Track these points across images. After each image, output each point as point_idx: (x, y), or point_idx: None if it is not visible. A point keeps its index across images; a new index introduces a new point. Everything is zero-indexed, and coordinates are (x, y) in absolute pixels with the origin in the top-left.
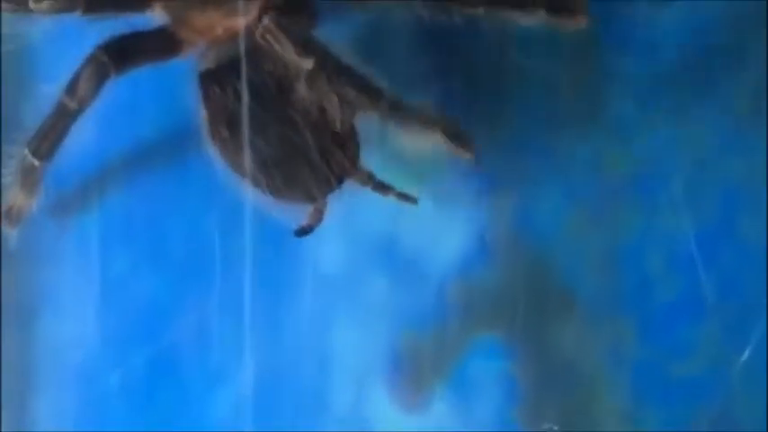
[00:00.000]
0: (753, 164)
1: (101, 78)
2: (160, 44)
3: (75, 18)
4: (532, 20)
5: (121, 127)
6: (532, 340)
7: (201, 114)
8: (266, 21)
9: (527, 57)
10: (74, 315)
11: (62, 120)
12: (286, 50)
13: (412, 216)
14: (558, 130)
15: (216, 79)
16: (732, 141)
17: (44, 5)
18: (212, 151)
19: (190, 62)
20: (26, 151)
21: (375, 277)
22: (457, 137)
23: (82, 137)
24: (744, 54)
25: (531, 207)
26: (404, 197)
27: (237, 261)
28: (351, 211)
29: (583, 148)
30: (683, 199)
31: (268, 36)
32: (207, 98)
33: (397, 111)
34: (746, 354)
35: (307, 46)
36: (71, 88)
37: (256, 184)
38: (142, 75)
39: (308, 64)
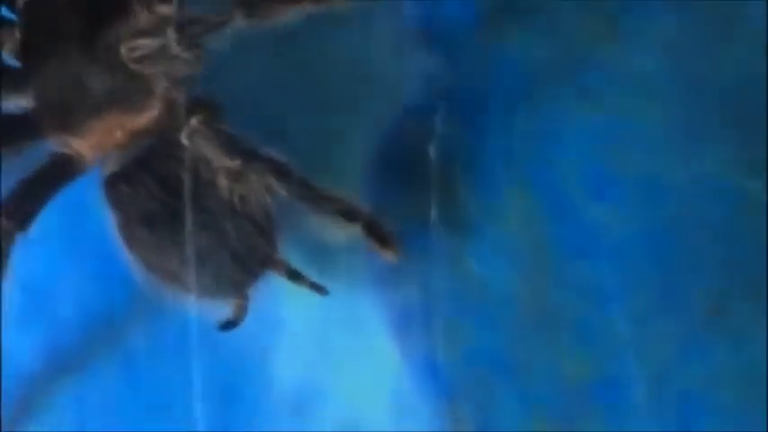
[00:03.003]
0: (711, 371)
1: (7, 242)
2: (57, 174)
3: None
4: None
5: None
6: None
7: (113, 219)
8: (194, 122)
9: (484, 267)
10: None
11: None
12: (214, 152)
13: (369, 422)
14: (516, 340)
15: (124, 179)
16: (691, 348)
17: None
18: (130, 256)
19: None
20: None
21: None
22: (379, 236)
23: None
24: (702, 260)
25: (489, 416)
26: (316, 287)
27: None
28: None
29: (542, 357)
30: (644, 407)
31: (196, 137)
32: (117, 201)
33: (320, 199)
34: None
35: (233, 146)
36: None
37: (181, 284)
38: None
39: (235, 164)
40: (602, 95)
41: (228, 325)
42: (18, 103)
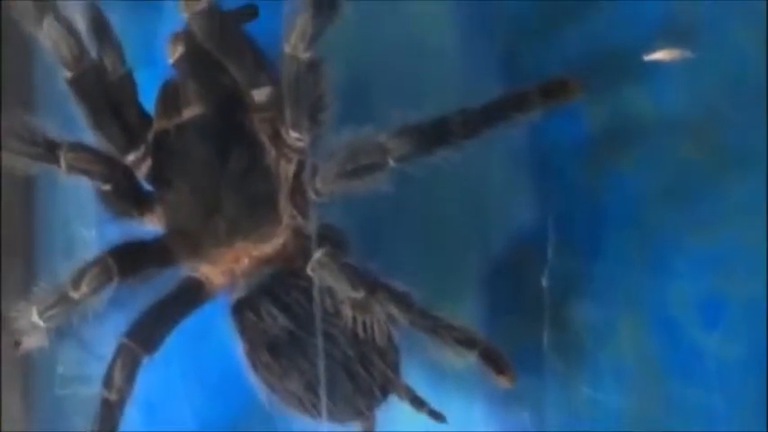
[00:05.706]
0: None
1: (133, 365)
2: (187, 299)
3: None
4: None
5: None
6: None
7: (240, 345)
8: (320, 255)
9: (595, 390)
10: None
11: (109, 414)
12: (339, 284)
13: None
14: None
15: (250, 306)
16: None
17: (84, 290)
18: (255, 380)
19: None
20: None
21: None
22: (496, 363)
23: None
24: None
25: None
26: (435, 415)
27: None
28: None
29: None
30: None
31: (321, 270)
32: (244, 327)
33: (439, 328)
34: None
35: (357, 277)
36: (107, 381)
37: (304, 407)
38: None
39: (359, 295)
40: (711, 224)
41: None
42: (148, 226)
